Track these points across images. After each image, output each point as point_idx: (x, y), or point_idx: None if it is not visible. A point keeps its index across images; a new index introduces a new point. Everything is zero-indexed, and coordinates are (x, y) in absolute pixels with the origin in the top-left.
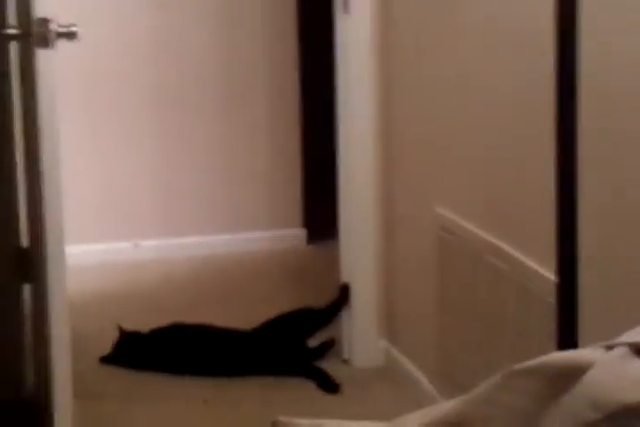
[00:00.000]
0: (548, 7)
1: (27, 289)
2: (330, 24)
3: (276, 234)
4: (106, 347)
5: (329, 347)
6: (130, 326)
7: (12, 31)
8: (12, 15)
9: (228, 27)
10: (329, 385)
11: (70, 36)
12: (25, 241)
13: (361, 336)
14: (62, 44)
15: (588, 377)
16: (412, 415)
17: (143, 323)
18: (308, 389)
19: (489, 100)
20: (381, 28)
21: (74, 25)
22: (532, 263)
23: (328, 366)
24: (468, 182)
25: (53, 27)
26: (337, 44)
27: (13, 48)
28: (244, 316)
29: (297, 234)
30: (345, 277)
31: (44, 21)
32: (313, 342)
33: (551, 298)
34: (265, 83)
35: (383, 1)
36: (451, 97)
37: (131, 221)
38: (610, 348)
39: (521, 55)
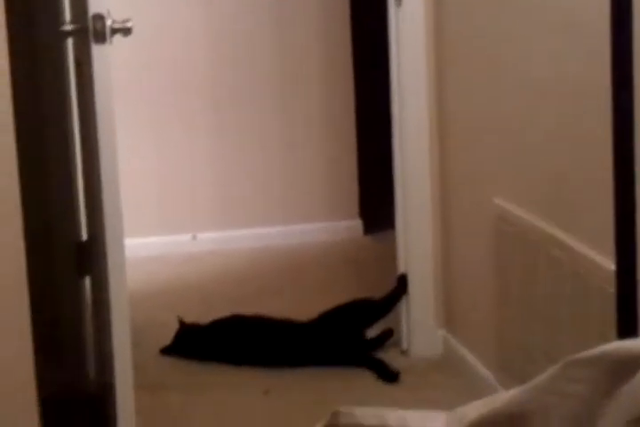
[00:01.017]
0: None
1: (87, 282)
2: (383, 16)
3: (332, 225)
4: (166, 338)
5: (387, 337)
6: (189, 317)
7: (68, 28)
8: (67, 12)
9: (282, 19)
10: (388, 375)
11: (125, 31)
12: (84, 234)
13: (419, 326)
14: (119, 37)
15: None
16: (473, 405)
17: (202, 315)
18: (366, 379)
19: (546, 88)
20: (434, 19)
21: (128, 20)
22: (590, 253)
23: (386, 356)
24: (526, 173)
25: (109, 23)
26: (390, 36)
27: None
28: (301, 307)
29: (354, 225)
30: (402, 267)
31: (100, 17)
32: (371, 333)
33: (611, 287)
34: (320, 75)
35: None
36: (506, 86)
37: (189, 213)
38: None
39: (577, 39)
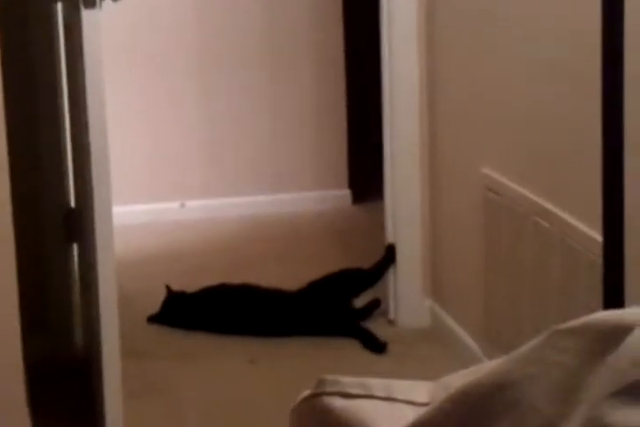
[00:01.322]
0: None
1: (75, 248)
2: None
3: (321, 195)
4: (153, 306)
5: (375, 307)
6: (176, 285)
7: None
8: None
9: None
10: (375, 345)
11: None
12: (73, 201)
13: (406, 297)
14: (108, 4)
15: (634, 336)
16: (456, 375)
17: (189, 283)
18: (353, 349)
19: (534, 59)
20: None
21: None
22: (577, 223)
23: (374, 326)
24: (514, 143)
25: None
26: (381, 8)
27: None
28: (289, 276)
29: (343, 195)
30: (390, 237)
31: None
32: (359, 303)
33: (598, 258)
34: (309, 42)
35: None
36: (496, 57)
37: (177, 181)
38: None
39: (566, 12)
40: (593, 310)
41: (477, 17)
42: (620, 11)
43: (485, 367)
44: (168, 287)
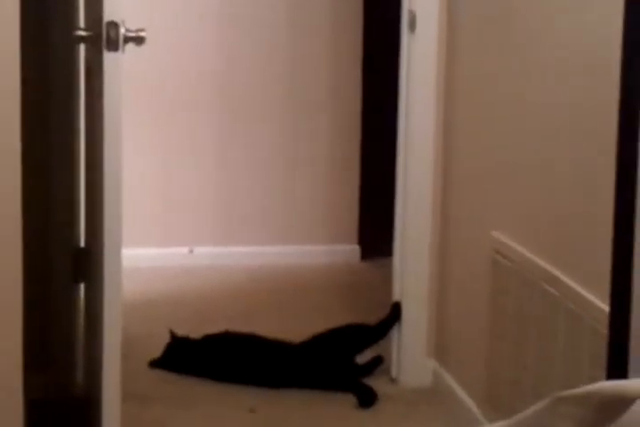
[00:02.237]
0: (616, 35)
1: (82, 288)
2: (396, 42)
3: (330, 249)
4: (156, 350)
5: (377, 364)
6: (180, 331)
7: (82, 33)
8: (82, 18)
9: (294, 39)
10: (366, 398)
11: (138, 40)
12: (83, 241)
13: (410, 355)
14: (130, 48)
15: (635, 408)
16: None
17: (193, 329)
18: (354, 404)
19: (549, 126)
20: (447, 47)
21: (142, 30)
22: (585, 292)
23: (375, 383)
24: (525, 208)
25: (122, 31)
26: (401, 62)
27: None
28: (293, 328)
29: (351, 250)
30: (397, 295)
31: (114, 25)
32: (361, 359)
33: (603, 328)
34: (328, 100)
35: (450, 21)
36: (511, 121)
37: (188, 226)
38: None
39: (583, 81)
40: (596, 380)
41: (496, 82)
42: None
43: None
44: (172, 332)
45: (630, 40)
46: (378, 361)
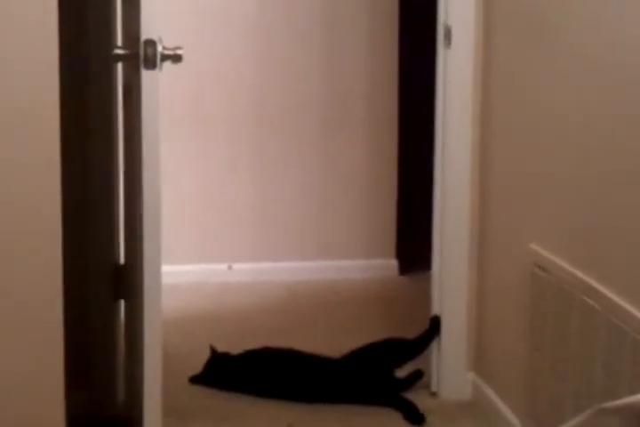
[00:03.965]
0: None
1: (122, 305)
2: (432, 57)
3: (368, 263)
4: (196, 367)
5: (417, 378)
6: (220, 347)
7: (120, 52)
8: (119, 36)
9: (330, 54)
10: (414, 416)
11: (175, 58)
12: (122, 258)
13: (450, 369)
14: (167, 66)
15: None
16: None
17: (232, 345)
18: (393, 419)
19: (589, 137)
20: (483, 62)
21: (179, 48)
22: (625, 304)
23: (415, 397)
24: (564, 220)
25: (159, 49)
26: (438, 78)
27: (119, 68)
28: (333, 343)
29: (390, 265)
30: (436, 309)
31: (151, 43)
32: (401, 373)
33: None
34: (365, 116)
35: (485, 35)
36: (550, 133)
37: (226, 243)
38: None
39: (621, 93)
40: (637, 391)
41: (533, 95)
42: None
43: None
44: (212, 348)
45: None
46: (418, 375)
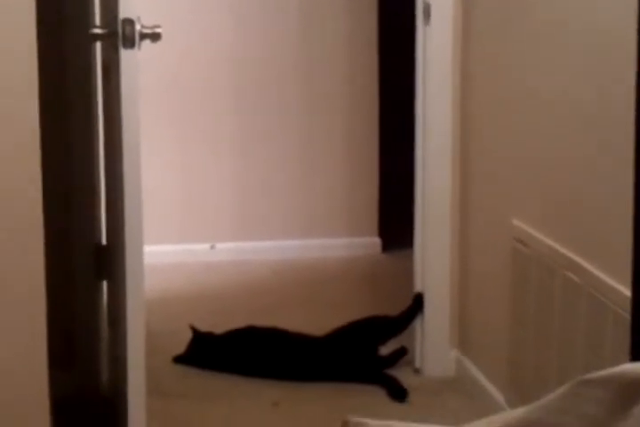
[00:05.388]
0: (631, 24)
1: (104, 286)
2: (411, 34)
3: (351, 242)
4: (179, 346)
5: (401, 355)
6: (203, 326)
7: (98, 31)
8: (97, 16)
9: (308, 35)
10: (398, 392)
11: (154, 36)
12: (104, 239)
13: (433, 346)
14: (146, 45)
15: None
16: (479, 422)
17: (216, 324)
18: (378, 396)
19: (567, 111)
20: (462, 39)
21: (158, 26)
22: (606, 278)
23: (399, 374)
24: (545, 195)
25: (138, 27)
26: (417, 54)
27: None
28: (316, 321)
29: (372, 242)
30: (419, 286)
31: (129, 22)
32: (385, 351)
33: (626, 312)
34: (344, 92)
35: (464, 12)
36: (529, 109)
37: (208, 222)
38: None
39: (600, 67)
40: (619, 364)
41: (512, 71)
42: None
43: (508, 415)
44: (193, 328)
45: None
46: (401, 352)
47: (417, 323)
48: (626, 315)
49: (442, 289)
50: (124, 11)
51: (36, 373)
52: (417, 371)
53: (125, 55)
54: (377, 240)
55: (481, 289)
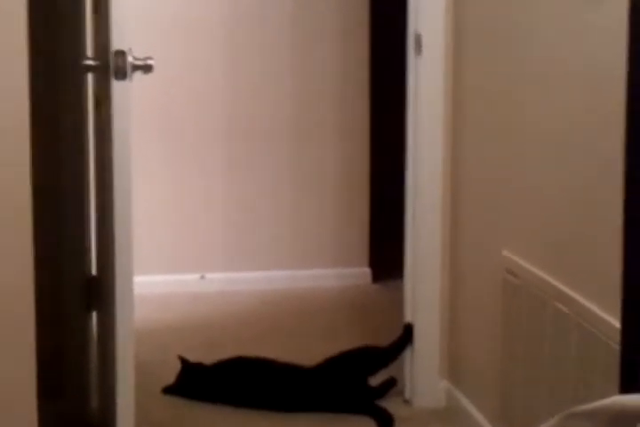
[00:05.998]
0: (620, 53)
1: (94, 317)
2: (402, 65)
3: (341, 272)
4: (169, 377)
5: (390, 386)
6: (193, 357)
7: (90, 62)
8: (89, 47)
9: (301, 64)
10: (387, 423)
11: (146, 68)
12: (94, 270)
13: (423, 377)
14: (138, 76)
15: None
16: None
17: (206, 355)
18: (367, 426)
19: (557, 144)
20: (453, 70)
21: (150, 58)
22: (596, 309)
23: (389, 405)
24: (535, 227)
25: (130, 59)
26: (408, 85)
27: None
28: (306, 352)
29: (363, 273)
30: (409, 316)
31: (121, 54)
32: (374, 381)
33: (615, 344)
34: (335, 123)
35: (456, 43)
36: (519, 139)
37: (198, 253)
38: None
39: (591, 99)
40: (609, 396)
41: (504, 103)
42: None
43: None
44: (182, 359)
45: (635, 55)
46: (391, 383)
47: (407, 354)
48: (616, 346)
49: (432, 320)
50: (116, 42)
51: (26, 403)
52: (407, 402)
53: (117, 87)
54: (367, 270)
55: (471, 320)
